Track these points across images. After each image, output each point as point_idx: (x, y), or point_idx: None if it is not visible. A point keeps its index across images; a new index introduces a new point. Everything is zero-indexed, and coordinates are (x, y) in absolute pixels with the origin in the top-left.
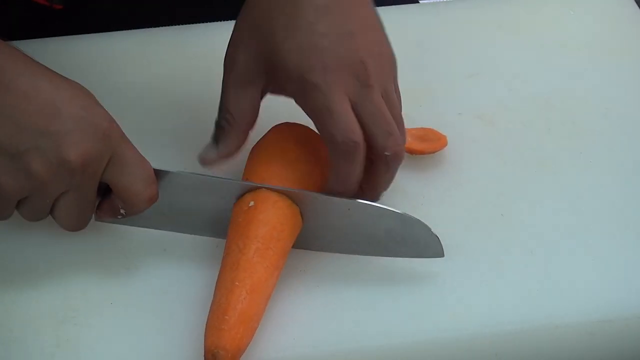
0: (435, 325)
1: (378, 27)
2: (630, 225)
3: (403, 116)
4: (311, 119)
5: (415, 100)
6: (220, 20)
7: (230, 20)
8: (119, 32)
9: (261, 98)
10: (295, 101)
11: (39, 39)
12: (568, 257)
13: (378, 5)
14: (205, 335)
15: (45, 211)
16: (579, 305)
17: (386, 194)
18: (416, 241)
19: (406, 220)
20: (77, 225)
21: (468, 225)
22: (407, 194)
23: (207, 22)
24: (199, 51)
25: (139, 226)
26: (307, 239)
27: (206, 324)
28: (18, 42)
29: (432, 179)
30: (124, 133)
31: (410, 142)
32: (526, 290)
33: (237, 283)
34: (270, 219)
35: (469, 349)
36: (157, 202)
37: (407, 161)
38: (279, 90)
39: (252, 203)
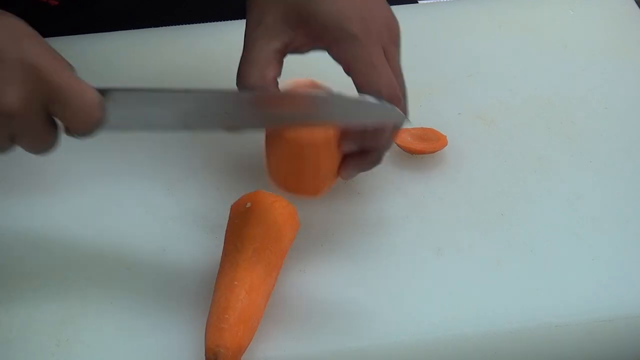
0: (435, 325)
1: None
2: (630, 225)
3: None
4: (346, 69)
5: (415, 100)
6: (220, 20)
7: (230, 20)
8: (119, 32)
9: (284, 55)
10: (329, 51)
11: None
12: (568, 257)
13: None
14: (205, 335)
15: (6, 144)
16: (579, 305)
17: (386, 193)
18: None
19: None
20: (43, 150)
21: (468, 224)
22: (407, 194)
23: (207, 21)
24: (199, 51)
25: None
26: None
27: (206, 324)
28: None
29: (432, 179)
30: (58, 60)
31: (410, 142)
32: (526, 290)
33: (236, 283)
34: (267, 220)
35: (468, 349)
36: (109, 120)
37: (407, 161)
38: (311, 42)
39: (249, 204)
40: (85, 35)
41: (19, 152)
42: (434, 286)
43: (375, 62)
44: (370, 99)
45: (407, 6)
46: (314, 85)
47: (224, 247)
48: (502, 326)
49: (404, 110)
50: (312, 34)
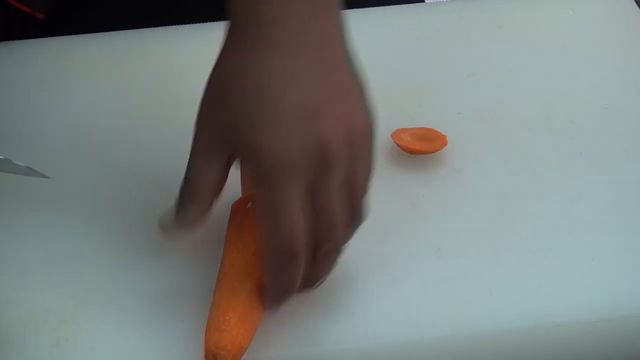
0: (435, 325)
1: (353, 92)
2: (630, 225)
3: (404, 112)
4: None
5: (415, 100)
6: (219, 21)
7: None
8: (118, 32)
9: (228, 168)
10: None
11: (40, 39)
12: (568, 257)
13: (380, 5)
14: (205, 336)
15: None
16: (579, 305)
17: (386, 193)
18: None
19: None
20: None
21: (468, 224)
22: (407, 194)
23: (206, 22)
24: (199, 51)
25: None
26: None
27: (206, 325)
28: (15, 42)
29: (432, 179)
30: None
31: (410, 141)
32: (526, 290)
33: (236, 284)
34: None
35: (468, 349)
36: None
37: (407, 161)
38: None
39: (250, 204)
40: (84, 35)
41: (18, 151)
42: (434, 286)
43: (277, 208)
44: None
45: (407, 6)
46: None
47: (224, 247)
48: (502, 326)
49: (343, 235)
50: (240, 156)
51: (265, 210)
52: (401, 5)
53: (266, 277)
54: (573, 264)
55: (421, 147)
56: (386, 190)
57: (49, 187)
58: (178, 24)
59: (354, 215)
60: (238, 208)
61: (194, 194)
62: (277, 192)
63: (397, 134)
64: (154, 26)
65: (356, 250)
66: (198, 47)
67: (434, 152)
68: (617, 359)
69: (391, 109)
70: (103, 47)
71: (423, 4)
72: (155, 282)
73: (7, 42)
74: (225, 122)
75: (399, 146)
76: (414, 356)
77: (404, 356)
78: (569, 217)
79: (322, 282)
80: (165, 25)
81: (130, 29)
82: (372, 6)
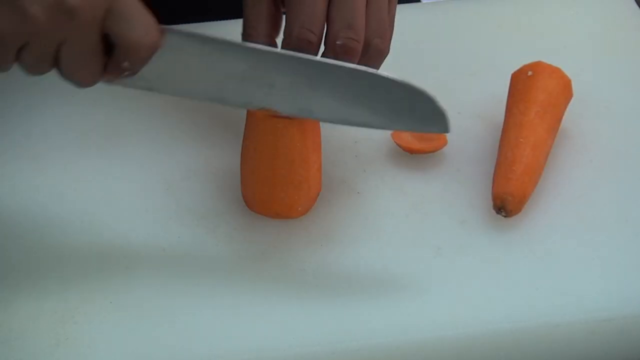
0: (435, 325)
1: None
2: (630, 225)
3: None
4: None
5: None
6: (220, 20)
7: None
8: None
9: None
10: None
11: None
12: (568, 257)
13: None
14: (493, 185)
15: (48, 60)
16: (579, 304)
17: (386, 193)
18: (421, 114)
19: (411, 91)
20: (84, 78)
21: (468, 224)
22: (407, 194)
23: (205, 21)
24: None
25: (143, 88)
26: (310, 108)
27: (494, 175)
28: None
29: (432, 179)
30: None
31: (410, 141)
32: (526, 290)
33: (521, 140)
34: (547, 87)
35: (468, 349)
36: (159, 56)
37: (407, 160)
38: None
39: (530, 72)
40: None
41: (18, 151)
42: (434, 286)
43: None
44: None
45: (407, 6)
46: None
47: (506, 109)
48: (502, 325)
49: (359, 36)
50: None
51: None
52: (401, 5)
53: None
54: (573, 263)
55: (421, 147)
56: (386, 190)
57: (49, 186)
58: (178, 24)
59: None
60: (520, 76)
61: (254, 36)
62: None
63: (397, 134)
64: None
65: (356, 250)
66: None
67: (433, 151)
68: (618, 359)
69: None
70: None
71: (423, 4)
72: (155, 282)
73: None
74: None
75: (399, 146)
76: (414, 356)
77: (404, 356)
78: (569, 217)
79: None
80: (165, 23)
81: None
82: None
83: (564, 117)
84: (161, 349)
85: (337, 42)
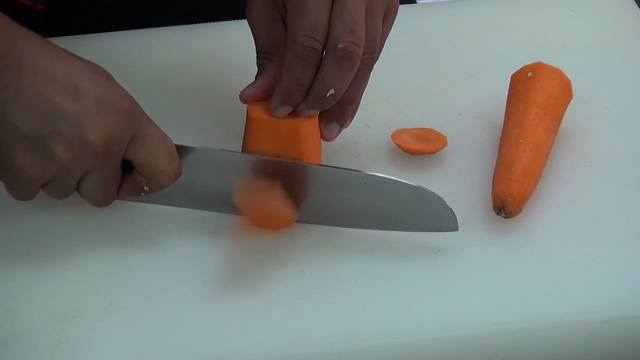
0: (435, 325)
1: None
2: (630, 226)
3: (404, 112)
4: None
5: (415, 100)
6: (217, 21)
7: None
8: (116, 32)
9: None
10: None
11: None
12: (568, 257)
13: None
14: (493, 186)
15: (70, 190)
16: (579, 305)
17: None
18: (431, 214)
19: (421, 193)
20: (102, 201)
21: (468, 225)
22: None
23: (203, 22)
24: (196, 51)
25: (159, 204)
26: (321, 214)
27: (494, 176)
28: None
29: (432, 179)
30: (143, 111)
31: (410, 142)
32: (526, 290)
33: (521, 141)
34: (547, 88)
35: (469, 349)
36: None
37: (407, 161)
38: None
39: (530, 74)
40: (84, 35)
41: None
42: (434, 286)
43: (307, 3)
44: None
45: (407, 6)
46: None
47: (506, 110)
48: (502, 326)
49: (360, 41)
50: None
51: (296, 4)
52: (400, 5)
53: (283, 71)
54: (573, 264)
55: (421, 148)
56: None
57: None
58: (178, 24)
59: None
60: (519, 77)
61: (268, 59)
62: None
63: (397, 135)
64: (153, 21)
65: (356, 250)
66: (198, 47)
67: (434, 152)
68: (617, 359)
69: (391, 110)
70: (103, 47)
71: (423, 3)
72: (155, 282)
73: None
74: None
75: (399, 146)
76: (414, 356)
77: (404, 356)
78: (569, 217)
79: (332, 97)
80: (164, 24)
81: (131, 20)
82: None
83: (564, 118)
84: (161, 349)
85: (339, 46)
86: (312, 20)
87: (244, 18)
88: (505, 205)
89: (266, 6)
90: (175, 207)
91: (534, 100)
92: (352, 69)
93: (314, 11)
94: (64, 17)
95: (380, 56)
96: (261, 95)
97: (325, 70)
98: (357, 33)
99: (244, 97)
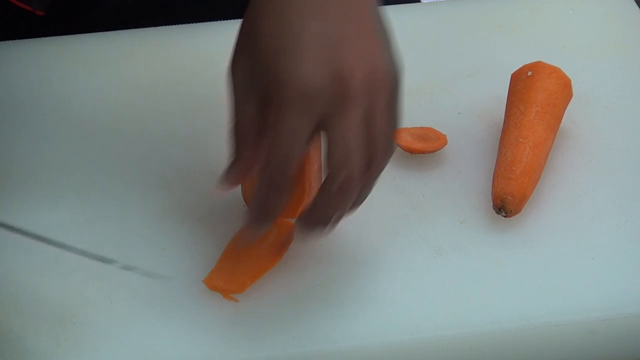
0: (435, 325)
1: (379, 35)
2: (630, 225)
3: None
4: None
5: (415, 99)
6: (218, 20)
7: (228, 20)
8: (117, 32)
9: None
10: None
11: (40, 39)
12: (568, 257)
13: (379, 5)
14: (493, 185)
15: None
16: (579, 304)
17: (386, 193)
18: None
19: None
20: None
21: (468, 224)
22: (407, 194)
23: (203, 21)
24: (199, 50)
25: None
26: None
27: (494, 175)
28: (15, 42)
29: (432, 179)
30: None
31: (410, 141)
32: (526, 290)
33: (521, 140)
34: (547, 87)
35: (469, 349)
36: None
37: (407, 160)
38: None
39: (530, 73)
40: (84, 35)
41: (18, 151)
42: (434, 286)
43: (281, 131)
44: None
45: (407, 6)
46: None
47: (506, 109)
48: (502, 326)
49: (359, 169)
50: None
51: (271, 132)
52: (400, 5)
53: (254, 193)
54: (573, 263)
55: (421, 147)
56: (386, 190)
57: (49, 186)
58: (177, 24)
59: (371, 159)
60: (519, 76)
61: (236, 136)
62: (288, 116)
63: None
64: (154, 21)
65: (356, 250)
66: (198, 46)
67: (434, 151)
68: (618, 359)
69: None
70: (103, 47)
71: (423, 4)
72: (155, 281)
73: (8, 41)
74: (254, 59)
75: (399, 146)
76: (414, 356)
77: (404, 356)
78: (569, 217)
79: (336, 221)
80: (164, 24)
81: (130, 23)
82: None
83: (563, 117)
84: (161, 349)
85: (333, 188)
86: (286, 149)
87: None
88: (506, 204)
89: (247, 81)
90: (175, 207)
91: (534, 99)
92: (348, 198)
93: (290, 145)
94: (64, 22)
95: None
96: (240, 182)
97: (316, 200)
98: (351, 163)
99: (223, 189)
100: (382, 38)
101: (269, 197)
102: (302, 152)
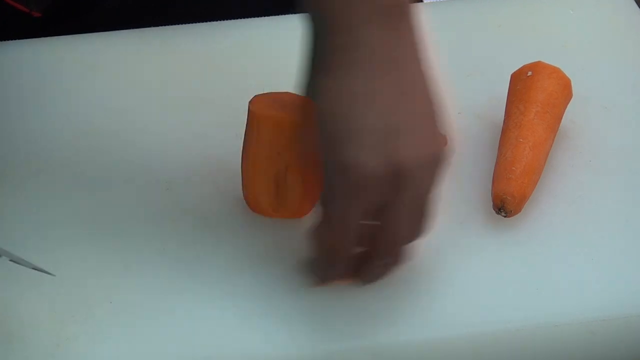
0: (436, 325)
1: (429, 116)
2: (630, 225)
3: None
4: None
5: None
6: (216, 20)
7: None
8: (117, 31)
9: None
10: None
11: (39, 39)
12: (568, 257)
13: None
14: (493, 185)
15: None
16: (579, 305)
17: None
18: None
19: None
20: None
21: (467, 224)
22: None
23: (203, 21)
24: (199, 50)
25: None
26: None
27: (493, 175)
28: (14, 42)
29: None
30: None
31: None
32: (526, 289)
33: (521, 140)
34: (547, 87)
35: (469, 349)
36: None
37: None
38: None
39: (530, 73)
40: (84, 35)
41: (17, 151)
42: (434, 286)
43: (336, 219)
44: None
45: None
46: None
47: (506, 109)
48: (502, 326)
49: (401, 256)
50: None
51: (325, 217)
52: None
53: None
54: (572, 264)
55: None
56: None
57: (49, 187)
58: (177, 24)
59: (411, 240)
60: (519, 76)
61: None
62: (342, 205)
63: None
64: (153, 23)
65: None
66: (198, 46)
67: None
68: (617, 359)
69: None
70: (103, 47)
71: (423, 4)
72: (155, 281)
73: (5, 42)
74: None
75: None
76: (414, 356)
77: (405, 355)
78: (569, 216)
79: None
80: (164, 24)
81: (128, 24)
82: None
83: (563, 117)
84: (161, 349)
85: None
86: (339, 235)
87: (244, 18)
88: (505, 204)
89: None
90: (175, 207)
91: (534, 99)
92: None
93: (342, 229)
94: (61, 23)
95: None
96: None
97: (368, 273)
98: (393, 250)
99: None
100: (432, 114)
101: (326, 271)
102: (348, 237)
